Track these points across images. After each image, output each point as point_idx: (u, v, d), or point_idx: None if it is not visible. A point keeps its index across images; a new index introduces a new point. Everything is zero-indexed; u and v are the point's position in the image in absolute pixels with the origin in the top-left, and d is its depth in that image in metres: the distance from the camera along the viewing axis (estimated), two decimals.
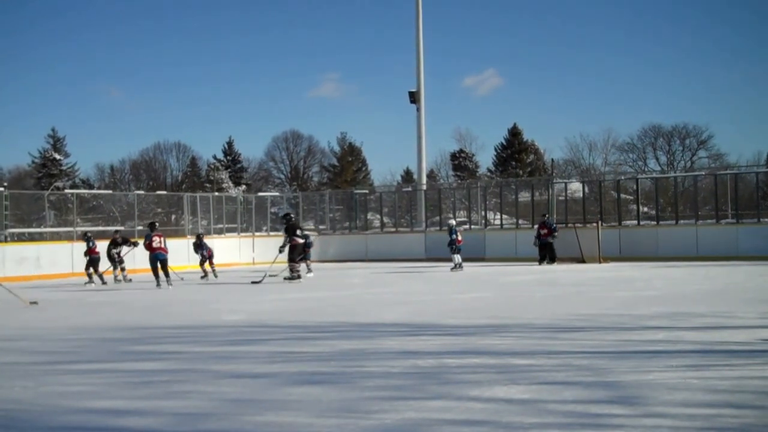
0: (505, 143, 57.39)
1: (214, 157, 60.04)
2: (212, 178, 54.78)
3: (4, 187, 27.69)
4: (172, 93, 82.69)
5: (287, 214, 19.03)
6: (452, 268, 21.36)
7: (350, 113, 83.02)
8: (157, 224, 18.87)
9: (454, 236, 21.95)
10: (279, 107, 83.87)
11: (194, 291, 16.30)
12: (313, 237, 28.30)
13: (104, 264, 19.33)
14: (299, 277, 17.58)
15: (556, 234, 23.61)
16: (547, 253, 23.51)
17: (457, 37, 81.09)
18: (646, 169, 53.06)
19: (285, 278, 17.57)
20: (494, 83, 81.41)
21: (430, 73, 72.32)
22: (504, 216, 30.07)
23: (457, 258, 21.64)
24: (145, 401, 5.46)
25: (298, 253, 17.89)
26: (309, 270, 20.10)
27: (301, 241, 17.95)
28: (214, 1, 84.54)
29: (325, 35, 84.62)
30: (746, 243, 22.89)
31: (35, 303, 13.56)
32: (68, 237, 25.30)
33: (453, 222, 23.28)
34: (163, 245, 17.66)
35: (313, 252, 28.05)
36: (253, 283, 17.65)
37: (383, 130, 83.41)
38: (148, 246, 17.51)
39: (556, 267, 22.21)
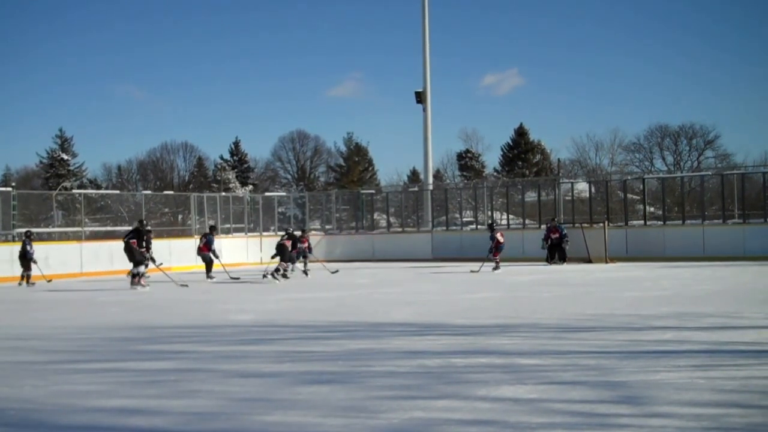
0: (511, 143, 57.39)
1: (221, 158, 60.16)
2: (219, 178, 54.86)
3: (13, 187, 27.82)
4: (178, 93, 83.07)
5: (140, 222, 18.38)
6: (493, 269, 21.07)
7: (357, 113, 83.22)
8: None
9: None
10: (285, 107, 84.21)
11: (203, 291, 16.35)
12: (318, 238, 28.44)
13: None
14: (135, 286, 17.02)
15: (567, 239, 23.69)
16: (557, 253, 23.64)
17: (477, 37, 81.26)
18: (652, 169, 52.96)
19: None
20: (513, 83, 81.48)
21: (446, 73, 72.62)
22: (511, 216, 30.06)
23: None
24: (154, 400, 5.50)
25: (136, 263, 17.13)
26: (300, 270, 20.29)
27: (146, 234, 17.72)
28: (214, 3, 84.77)
29: (333, 36, 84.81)
30: (753, 243, 22.83)
31: (185, 285, 17.08)
32: (77, 237, 25.41)
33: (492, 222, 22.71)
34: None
35: (320, 252, 28.27)
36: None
37: (390, 129, 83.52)
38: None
39: (564, 267, 22.24)
